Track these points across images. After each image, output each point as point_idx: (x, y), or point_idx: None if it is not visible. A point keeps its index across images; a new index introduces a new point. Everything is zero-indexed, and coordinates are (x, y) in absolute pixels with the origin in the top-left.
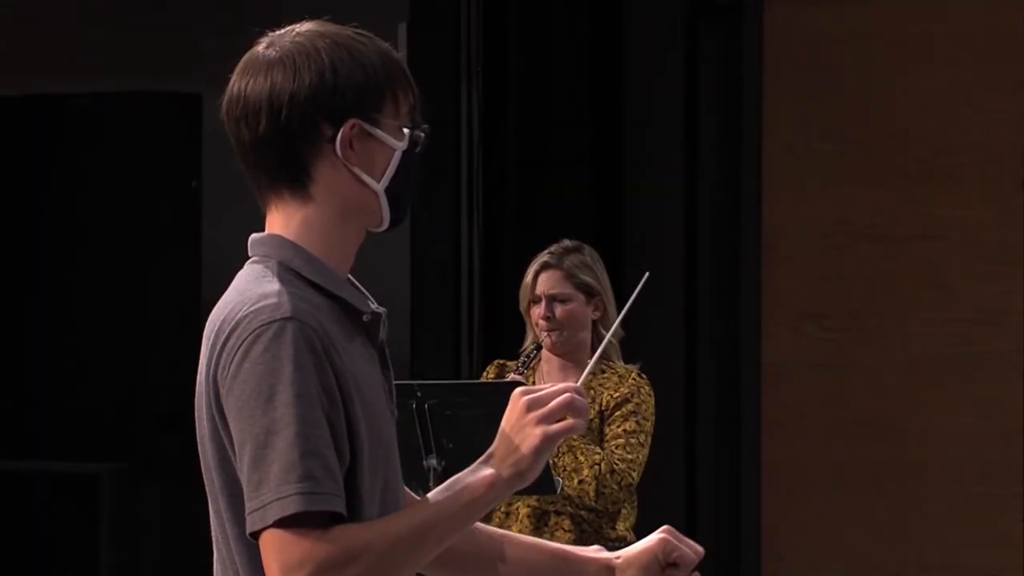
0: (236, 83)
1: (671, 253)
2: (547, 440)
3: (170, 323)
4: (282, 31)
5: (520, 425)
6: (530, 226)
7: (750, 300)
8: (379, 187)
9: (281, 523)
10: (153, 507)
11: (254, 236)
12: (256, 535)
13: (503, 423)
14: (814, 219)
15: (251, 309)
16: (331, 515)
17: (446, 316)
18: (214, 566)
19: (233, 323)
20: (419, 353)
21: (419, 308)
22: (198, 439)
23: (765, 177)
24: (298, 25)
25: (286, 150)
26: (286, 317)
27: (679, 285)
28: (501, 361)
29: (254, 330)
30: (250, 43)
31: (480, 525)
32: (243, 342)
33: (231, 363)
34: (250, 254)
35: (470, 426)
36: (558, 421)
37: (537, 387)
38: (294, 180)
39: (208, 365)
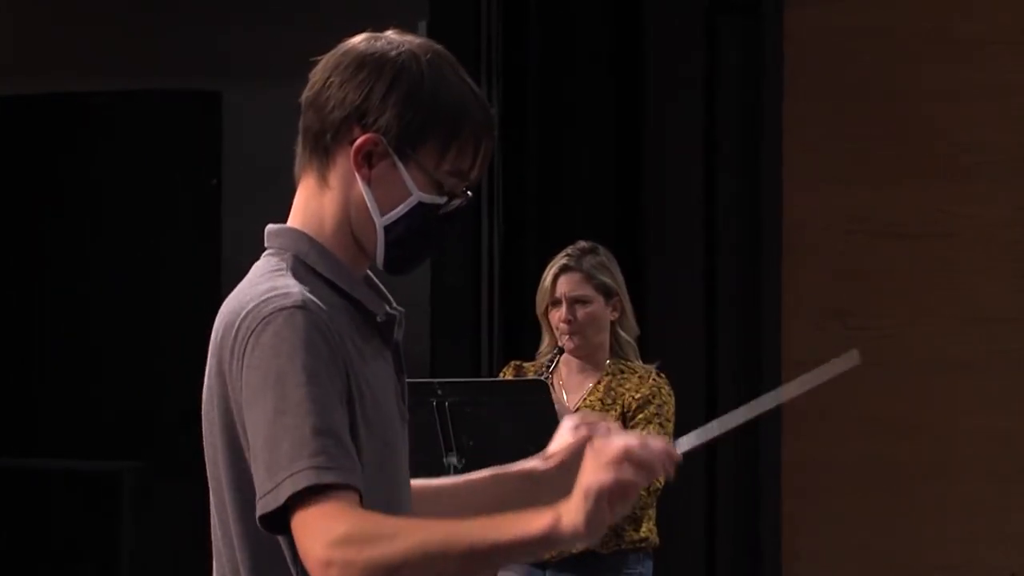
0: (315, 71)
1: (691, 251)
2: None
3: (189, 321)
4: (388, 33)
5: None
6: (550, 225)
7: (771, 297)
8: (379, 221)
9: (305, 501)
10: (173, 505)
11: (271, 227)
12: (269, 521)
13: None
14: (835, 216)
15: (261, 300)
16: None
17: (466, 316)
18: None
19: (243, 314)
20: (438, 353)
21: (439, 308)
22: (204, 438)
23: (785, 174)
24: (409, 34)
25: (321, 128)
26: (296, 305)
27: (699, 283)
28: (518, 362)
29: (263, 318)
30: (266, 42)
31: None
32: (252, 331)
33: (243, 353)
34: (266, 245)
35: (490, 424)
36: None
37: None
38: (321, 157)
39: (218, 359)
